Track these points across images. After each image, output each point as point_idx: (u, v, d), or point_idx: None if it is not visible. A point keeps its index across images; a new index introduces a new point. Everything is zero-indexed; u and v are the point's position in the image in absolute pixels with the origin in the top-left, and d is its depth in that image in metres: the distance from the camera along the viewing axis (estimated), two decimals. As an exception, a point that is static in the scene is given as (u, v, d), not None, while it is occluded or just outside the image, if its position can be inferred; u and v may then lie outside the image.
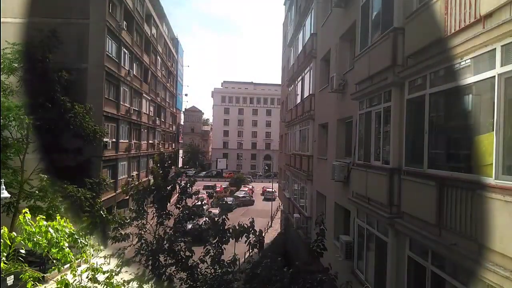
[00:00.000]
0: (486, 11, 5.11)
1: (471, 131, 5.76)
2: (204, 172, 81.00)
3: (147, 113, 36.44)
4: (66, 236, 3.27)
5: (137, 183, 8.50)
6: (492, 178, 4.87)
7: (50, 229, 3.18)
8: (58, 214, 4.35)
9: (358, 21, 11.05)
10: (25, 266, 3.13)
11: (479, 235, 5.10)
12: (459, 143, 6.34)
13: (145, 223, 6.96)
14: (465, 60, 5.65)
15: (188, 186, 7.56)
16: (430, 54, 6.57)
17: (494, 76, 4.89)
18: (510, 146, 4.69)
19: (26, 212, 3.21)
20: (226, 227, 6.77)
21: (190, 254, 6.53)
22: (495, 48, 4.88)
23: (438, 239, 6.22)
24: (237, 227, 6.74)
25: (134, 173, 32.32)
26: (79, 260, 4.05)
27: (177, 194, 7.57)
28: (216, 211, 29.36)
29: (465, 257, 5.43)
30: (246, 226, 6.70)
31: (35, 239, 3.16)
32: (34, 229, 3.15)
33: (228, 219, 6.93)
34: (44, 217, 3.34)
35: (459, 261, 5.74)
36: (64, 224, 3.28)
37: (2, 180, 12.82)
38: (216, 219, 6.89)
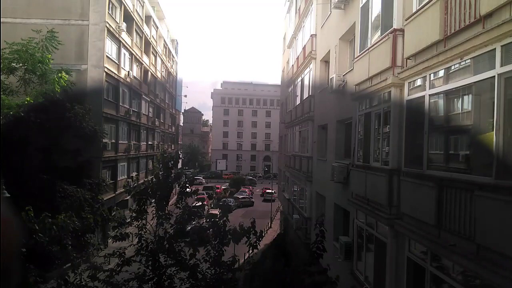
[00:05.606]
0: (486, 11, 5.12)
1: (470, 131, 5.78)
2: (203, 173, 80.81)
3: (147, 114, 36.41)
4: (69, 233, 3.26)
5: (139, 182, 8.43)
6: (492, 178, 4.88)
7: (54, 227, 3.17)
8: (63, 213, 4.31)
9: (357, 22, 11.07)
10: (26, 264, 3.11)
11: (479, 236, 5.11)
12: (459, 144, 6.35)
13: (145, 223, 6.93)
14: (465, 60, 5.66)
15: (186, 184, 7.51)
16: (430, 55, 6.58)
17: (494, 76, 4.90)
18: (510, 146, 4.70)
19: (29, 210, 3.18)
20: (227, 228, 6.73)
21: (192, 253, 6.49)
22: (495, 48, 4.89)
23: (438, 240, 6.22)
24: (238, 229, 6.68)
25: (134, 174, 32.29)
26: (80, 259, 4.05)
27: (176, 195, 7.53)
28: (216, 211, 29.26)
29: (464, 258, 5.44)
30: (247, 228, 6.66)
31: (37, 238, 3.15)
32: (36, 227, 3.13)
33: (229, 221, 6.90)
34: (50, 214, 3.31)
35: (458, 261, 5.75)
36: (68, 221, 3.27)
37: (2, 180, 12.79)
38: (217, 219, 6.85)
